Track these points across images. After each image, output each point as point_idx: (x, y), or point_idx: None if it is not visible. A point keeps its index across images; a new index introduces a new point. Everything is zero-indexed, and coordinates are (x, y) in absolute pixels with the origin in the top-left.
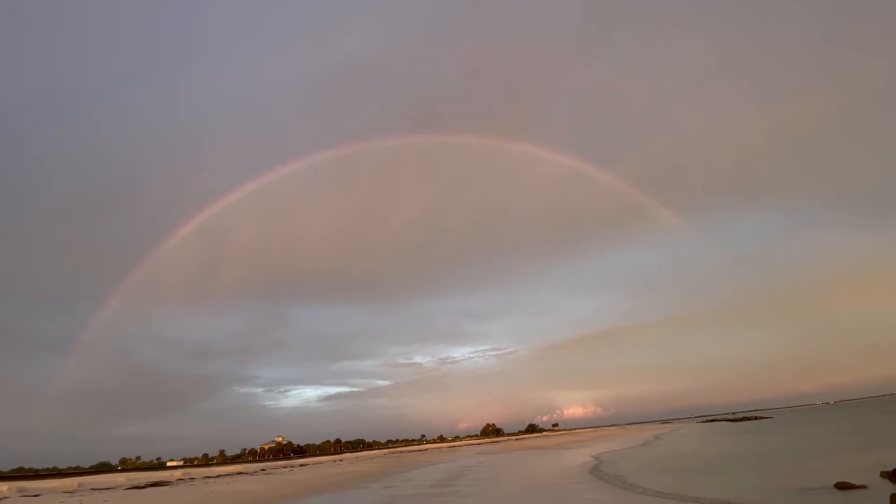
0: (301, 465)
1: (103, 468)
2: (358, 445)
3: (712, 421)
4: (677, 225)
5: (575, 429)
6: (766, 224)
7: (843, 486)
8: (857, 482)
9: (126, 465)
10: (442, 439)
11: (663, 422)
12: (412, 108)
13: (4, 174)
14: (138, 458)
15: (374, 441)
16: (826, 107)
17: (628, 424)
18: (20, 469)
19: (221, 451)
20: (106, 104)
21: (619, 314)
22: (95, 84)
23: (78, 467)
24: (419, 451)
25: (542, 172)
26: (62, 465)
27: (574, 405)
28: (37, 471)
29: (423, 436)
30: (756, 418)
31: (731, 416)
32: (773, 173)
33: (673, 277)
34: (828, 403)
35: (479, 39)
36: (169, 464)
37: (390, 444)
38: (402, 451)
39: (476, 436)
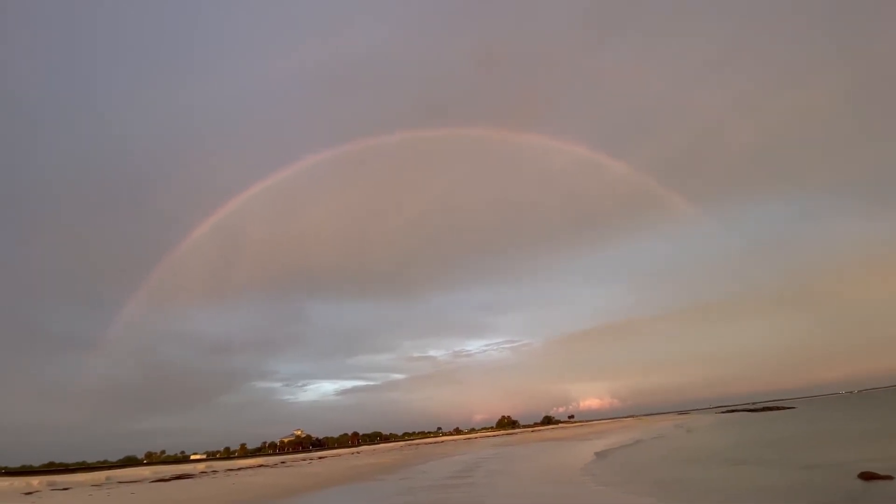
0: (320, 458)
1: (130, 462)
2: (375, 438)
3: (732, 411)
4: (693, 213)
5: (591, 420)
6: (786, 210)
7: (867, 477)
8: (882, 472)
9: (151, 459)
10: (458, 431)
11: (681, 412)
12: (422, 101)
13: (31, 179)
14: (163, 451)
15: (390, 434)
16: (848, 88)
17: (645, 415)
18: (51, 464)
19: (243, 445)
20: (127, 107)
21: (635, 305)
22: (115, 87)
23: (105, 461)
24: (435, 443)
25: (555, 163)
26: (91, 460)
27: (590, 397)
28: (66, 465)
29: (439, 428)
30: (777, 408)
31: (752, 407)
32: (793, 158)
33: (690, 267)
34: (851, 392)
35: (488, 28)
36: (192, 457)
37: (407, 436)
38: (418, 444)
39: (492, 428)
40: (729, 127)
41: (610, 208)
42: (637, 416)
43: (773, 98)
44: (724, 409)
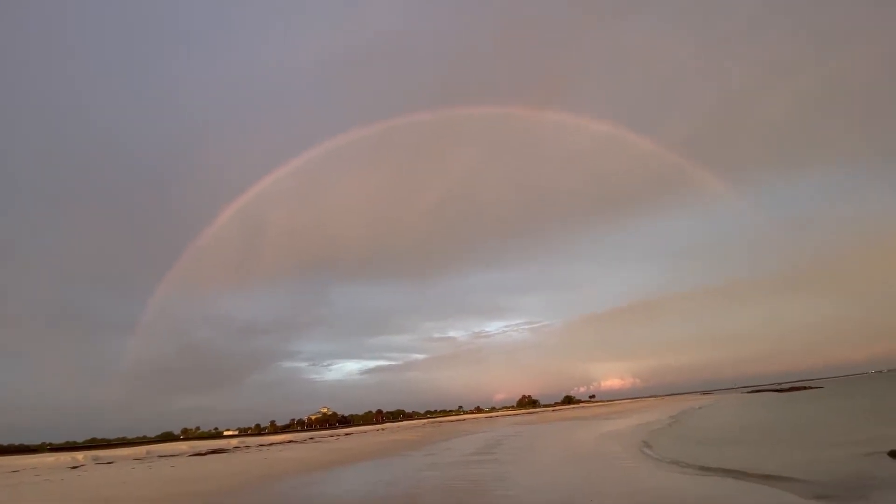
0: (346, 435)
1: (167, 438)
2: (398, 416)
3: (757, 391)
4: (721, 190)
5: (612, 400)
6: (817, 186)
7: None
8: None
9: (188, 435)
10: (479, 410)
11: (704, 393)
12: (441, 81)
13: (69, 177)
14: (198, 428)
15: (413, 412)
16: (886, 57)
17: (667, 395)
18: (93, 439)
19: (272, 422)
20: (151, 98)
21: (659, 284)
22: (139, 79)
23: (145, 437)
24: (458, 421)
25: (578, 141)
26: (130, 436)
27: (611, 377)
28: (108, 441)
29: (460, 407)
30: (805, 388)
31: (778, 387)
32: (826, 131)
33: (716, 245)
34: (881, 372)
35: (506, 3)
36: (226, 433)
37: (429, 414)
38: (441, 422)
39: (512, 407)
40: (759, 100)
41: (634, 186)
42: (659, 395)
43: (806, 69)
44: (750, 388)
